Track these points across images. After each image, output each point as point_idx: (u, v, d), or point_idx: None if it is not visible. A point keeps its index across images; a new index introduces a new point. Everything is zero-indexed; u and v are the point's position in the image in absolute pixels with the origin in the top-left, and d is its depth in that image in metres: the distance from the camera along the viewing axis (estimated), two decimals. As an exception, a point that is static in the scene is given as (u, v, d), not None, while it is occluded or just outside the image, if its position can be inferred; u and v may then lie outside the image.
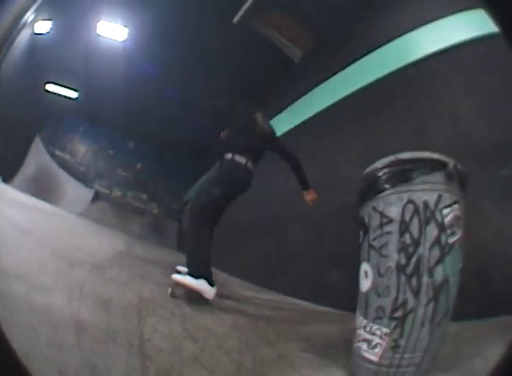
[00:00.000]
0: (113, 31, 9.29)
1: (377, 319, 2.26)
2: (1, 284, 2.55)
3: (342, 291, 3.81)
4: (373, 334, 2.23)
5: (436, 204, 2.17)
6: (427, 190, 2.19)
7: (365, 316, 2.36)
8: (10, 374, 1.17)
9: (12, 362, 1.17)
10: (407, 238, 2.17)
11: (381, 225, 2.28)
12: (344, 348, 2.59)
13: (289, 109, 6.80)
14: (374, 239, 2.35)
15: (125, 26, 9.11)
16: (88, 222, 8.98)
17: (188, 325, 3.08)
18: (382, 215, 2.25)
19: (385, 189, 2.25)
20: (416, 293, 2.13)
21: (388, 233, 2.23)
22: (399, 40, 4.66)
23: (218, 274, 4.70)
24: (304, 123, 6.18)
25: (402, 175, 2.23)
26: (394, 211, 2.23)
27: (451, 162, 2.20)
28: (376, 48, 5.00)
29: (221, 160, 4.40)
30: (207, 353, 2.47)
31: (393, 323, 2.18)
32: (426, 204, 2.18)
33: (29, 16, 1.56)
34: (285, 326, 3.71)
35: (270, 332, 3.35)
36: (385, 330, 2.20)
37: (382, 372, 2.17)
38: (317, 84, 6.12)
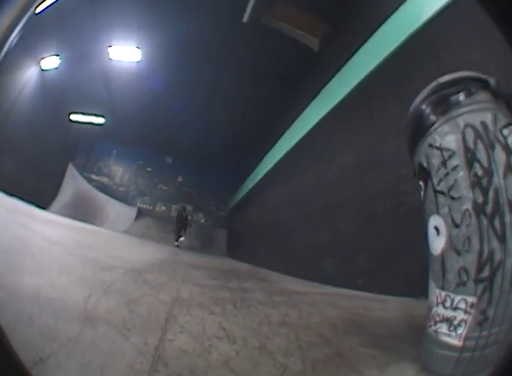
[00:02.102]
0: (126, 54, 8.87)
1: (460, 286, 1.82)
2: (13, 278, 2.47)
3: (398, 275, 3.44)
4: (456, 309, 1.77)
5: (494, 123, 1.80)
6: (478, 111, 1.83)
7: (444, 287, 1.91)
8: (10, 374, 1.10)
9: (13, 364, 1.10)
10: (477, 168, 1.77)
11: (444, 162, 1.88)
12: (411, 337, 2.21)
13: (320, 95, 6.33)
14: (440, 181, 1.92)
15: (138, 47, 8.66)
16: (133, 238, 8.52)
17: (227, 324, 2.57)
18: (441, 149, 1.89)
19: (436, 120, 1.90)
20: (502, 238, 1.69)
21: (454, 168, 1.84)
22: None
23: (267, 273, 4.83)
24: (339, 105, 5.60)
25: (448, 99, 1.87)
26: (453, 141, 1.88)
27: (492, 79, 1.88)
28: (391, 15, 4.62)
29: None
30: (243, 356, 1.88)
31: (480, 288, 1.74)
32: (484, 125, 1.81)
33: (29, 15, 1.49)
34: (341, 319, 3.06)
35: (325, 327, 2.75)
36: (471, 299, 1.75)
37: (465, 359, 1.66)
38: (342, 66, 5.75)
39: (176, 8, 7.61)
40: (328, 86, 6.16)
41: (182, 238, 9.10)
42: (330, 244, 4.87)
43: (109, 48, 8.80)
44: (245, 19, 6.46)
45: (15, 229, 4.14)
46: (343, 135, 5.33)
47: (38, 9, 6.90)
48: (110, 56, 8.93)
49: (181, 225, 9.75)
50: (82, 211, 9.29)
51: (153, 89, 9.74)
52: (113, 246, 6.03)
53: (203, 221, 11.15)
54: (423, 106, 1.97)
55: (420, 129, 1.97)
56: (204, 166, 11.43)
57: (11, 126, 7.65)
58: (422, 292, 2.70)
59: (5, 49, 1.42)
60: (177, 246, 8.71)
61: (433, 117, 1.90)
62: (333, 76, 5.95)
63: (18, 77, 7.99)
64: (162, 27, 7.95)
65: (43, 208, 8.06)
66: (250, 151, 10.21)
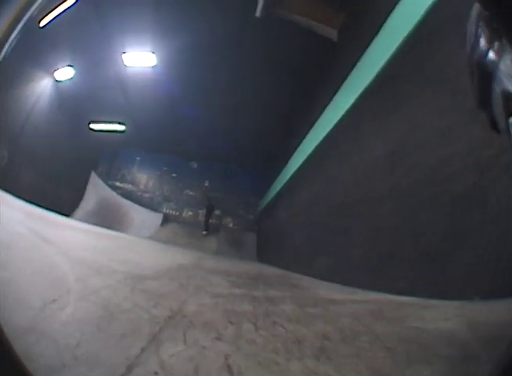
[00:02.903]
0: (141, 59, 8.67)
1: None
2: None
3: (446, 274, 2.84)
4: None
5: None
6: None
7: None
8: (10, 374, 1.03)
9: (11, 362, 1.01)
10: None
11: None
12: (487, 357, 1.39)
13: (343, 86, 5.97)
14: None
15: (153, 52, 8.41)
16: (156, 243, 8.05)
17: (237, 358, 1.78)
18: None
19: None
20: None
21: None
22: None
23: (300, 279, 4.19)
24: (363, 95, 5.12)
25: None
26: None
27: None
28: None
29: None
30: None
31: None
32: None
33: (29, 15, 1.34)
34: (397, 338, 2.13)
35: (380, 355, 1.87)
36: None
37: None
38: (362, 53, 5.39)
39: (187, 10, 7.31)
40: (350, 76, 5.79)
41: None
42: (368, 244, 4.29)
43: (123, 55, 8.63)
44: (258, 13, 6.15)
45: (15, 229, 3.89)
46: (372, 124, 4.81)
47: (43, 23, 7.08)
48: (125, 63, 8.77)
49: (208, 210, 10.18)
50: (106, 218, 9.11)
51: (172, 94, 9.53)
52: (128, 251, 5.43)
53: (231, 225, 10.89)
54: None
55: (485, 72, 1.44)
56: (231, 170, 11.33)
57: (28, 138, 7.58)
58: (476, 292, 2.43)
59: (4, 49, 1.29)
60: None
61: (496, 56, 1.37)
62: (355, 65, 5.61)
63: (31, 89, 7.91)
64: (175, 30, 7.63)
65: (66, 215, 7.93)
66: (277, 151, 9.83)
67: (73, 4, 7.26)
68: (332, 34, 6.21)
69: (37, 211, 5.98)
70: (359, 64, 5.48)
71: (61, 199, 8.35)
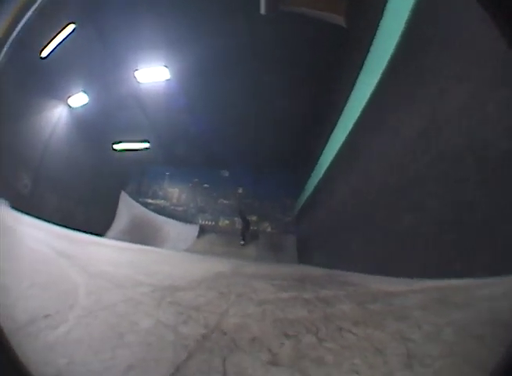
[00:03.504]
0: (154, 75, 8.43)
1: None
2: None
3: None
4: None
5: None
6: None
7: None
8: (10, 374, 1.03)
9: (12, 362, 1.03)
10: None
11: None
12: None
13: (363, 71, 5.58)
14: None
15: (165, 66, 8.13)
16: (193, 255, 7.55)
17: None
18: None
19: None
20: None
21: None
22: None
23: (348, 275, 3.95)
24: (385, 76, 4.69)
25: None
26: None
27: None
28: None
29: None
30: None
31: None
32: None
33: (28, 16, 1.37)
34: (474, 321, 1.73)
35: (466, 339, 1.49)
36: None
37: None
38: (375, 34, 5.09)
39: (192, 19, 7.05)
40: (368, 60, 5.40)
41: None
42: (414, 229, 3.80)
43: (135, 72, 8.41)
44: (262, 10, 5.89)
45: (32, 245, 3.78)
46: (398, 104, 4.40)
47: (44, 53, 7.07)
48: (138, 80, 8.57)
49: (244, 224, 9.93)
50: (140, 235, 8.89)
51: (190, 105, 9.29)
52: (161, 264, 4.98)
53: (269, 229, 10.61)
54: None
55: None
56: (263, 174, 10.98)
57: (49, 165, 7.59)
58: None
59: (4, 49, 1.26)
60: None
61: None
62: (370, 46, 5.26)
63: (46, 118, 7.89)
64: (185, 41, 7.41)
65: (99, 235, 7.80)
66: (307, 148, 9.41)
67: (72, 31, 7.19)
68: (339, 20, 5.89)
69: (64, 232, 5.79)
70: (374, 45, 5.15)
71: (92, 220, 8.24)
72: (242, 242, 9.31)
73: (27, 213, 5.50)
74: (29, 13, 1.38)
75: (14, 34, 1.32)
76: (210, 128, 9.80)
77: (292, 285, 3.72)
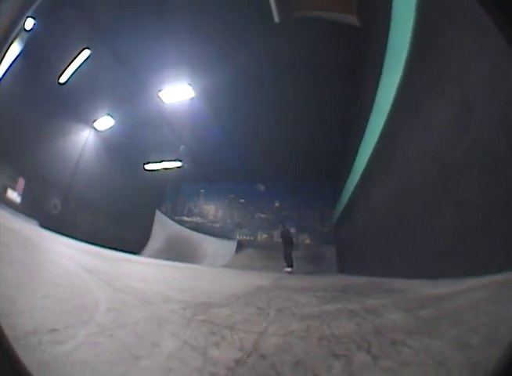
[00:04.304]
0: (178, 94, 8.38)
1: None
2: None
3: None
4: None
5: None
6: None
7: None
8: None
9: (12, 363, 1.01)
10: None
11: None
12: None
13: (385, 67, 5.47)
14: None
15: (189, 84, 8.08)
16: (231, 270, 7.47)
17: None
18: None
19: None
20: None
21: None
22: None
23: (391, 282, 3.77)
24: (407, 67, 4.61)
25: None
26: None
27: None
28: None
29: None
30: None
31: None
32: None
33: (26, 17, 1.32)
34: None
35: None
36: None
37: None
38: (389, 27, 5.02)
39: (212, 36, 7.04)
40: (388, 53, 5.27)
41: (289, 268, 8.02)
42: (455, 224, 3.55)
43: (159, 93, 8.42)
44: (276, 18, 5.89)
45: (55, 260, 3.72)
46: (427, 92, 4.15)
47: (62, 79, 7.24)
48: (163, 100, 8.58)
49: (288, 244, 8.66)
50: (177, 253, 8.76)
51: (219, 121, 9.26)
52: (196, 280, 4.78)
53: (308, 241, 10.47)
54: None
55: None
56: (298, 185, 10.90)
57: (79, 186, 7.76)
58: None
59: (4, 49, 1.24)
60: (289, 272, 7.78)
61: None
62: (387, 40, 5.14)
63: (73, 142, 8.06)
64: (208, 59, 7.39)
65: (134, 254, 7.77)
66: (340, 154, 9.16)
67: (88, 57, 7.32)
68: (352, 19, 5.95)
69: (95, 249, 5.73)
70: (391, 38, 5.03)
71: (127, 240, 8.24)
72: (288, 269, 7.83)
73: (58, 232, 5.51)
74: (29, 13, 1.32)
75: (14, 34, 1.27)
76: (240, 143, 9.77)
77: (335, 296, 3.47)
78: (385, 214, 5.96)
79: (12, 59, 5.89)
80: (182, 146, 9.88)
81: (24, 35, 6.14)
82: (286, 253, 8.07)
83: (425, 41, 4.04)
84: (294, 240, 9.51)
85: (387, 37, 5.08)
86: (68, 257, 4.12)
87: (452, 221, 3.63)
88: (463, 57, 3.23)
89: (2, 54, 1.24)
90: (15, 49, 5.96)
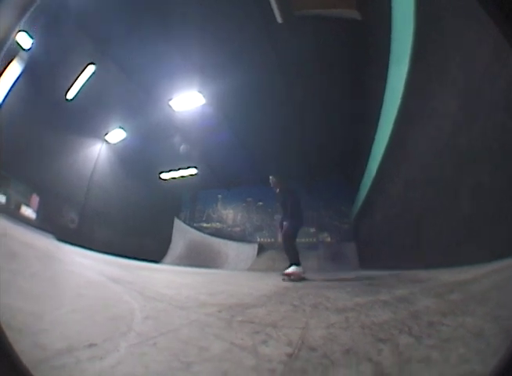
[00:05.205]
0: (189, 102, 8.40)
1: None
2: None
3: None
4: None
5: None
6: None
7: None
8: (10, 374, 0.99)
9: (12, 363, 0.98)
10: None
11: None
12: None
13: (392, 54, 5.40)
14: None
15: (199, 91, 8.11)
16: (255, 273, 7.30)
17: None
18: None
19: None
20: None
21: None
22: None
23: (414, 273, 3.79)
24: (414, 58, 4.54)
25: None
26: None
27: None
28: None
29: None
30: None
31: None
32: None
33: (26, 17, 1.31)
34: None
35: None
36: None
37: None
38: (390, 18, 5.02)
39: (219, 42, 7.07)
40: (393, 44, 5.25)
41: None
42: (476, 209, 3.51)
43: (170, 102, 8.46)
44: (278, 19, 6.01)
45: (77, 271, 3.69)
46: (434, 81, 4.21)
47: (69, 96, 7.27)
48: (174, 109, 8.60)
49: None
50: (198, 259, 8.83)
51: (232, 125, 9.27)
52: (223, 284, 4.74)
53: (329, 239, 10.37)
54: None
55: None
56: (315, 184, 10.74)
57: (95, 199, 7.78)
58: None
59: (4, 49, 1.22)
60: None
61: None
62: (390, 31, 5.14)
63: (85, 156, 8.15)
64: (216, 65, 7.42)
65: (154, 262, 7.78)
66: (354, 150, 9.10)
67: (94, 72, 7.37)
68: (354, 13, 5.96)
69: (115, 260, 5.74)
70: (394, 27, 5.04)
71: (146, 249, 8.19)
72: (292, 269, 5.85)
73: (76, 244, 5.58)
74: (29, 13, 1.31)
75: (14, 34, 1.26)
76: (254, 146, 9.76)
77: (364, 290, 3.47)
78: (402, 206, 5.98)
79: (15, 79, 5.96)
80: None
81: (23, 55, 6.19)
82: (287, 243, 5.77)
83: (428, 29, 4.00)
84: (314, 240, 9.76)
85: (390, 28, 5.06)
86: (90, 268, 4.11)
87: (468, 207, 3.62)
88: (465, 43, 3.20)
89: (2, 54, 1.23)
90: (16, 69, 6.02)
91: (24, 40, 5.99)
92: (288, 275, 5.12)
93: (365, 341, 1.54)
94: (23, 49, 6.15)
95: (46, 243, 5.15)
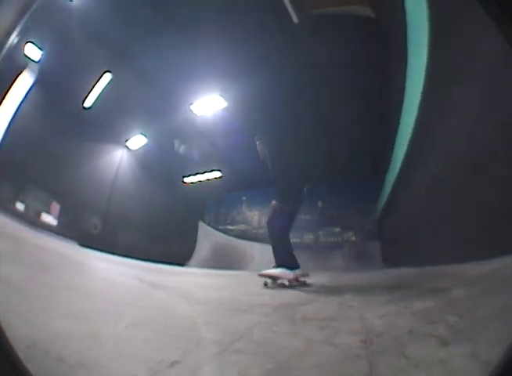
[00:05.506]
0: (210, 105, 8.33)
1: None
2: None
3: None
4: None
5: None
6: None
7: None
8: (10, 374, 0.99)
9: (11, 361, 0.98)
10: None
11: None
12: None
13: (410, 49, 5.38)
14: None
15: (221, 95, 8.00)
16: None
17: None
18: None
19: None
20: None
21: None
22: None
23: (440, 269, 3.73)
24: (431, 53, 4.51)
25: None
26: None
27: None
28: None
29: None
30: None
31: None
32: None
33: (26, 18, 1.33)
34: None
35: None
36: None
37: None
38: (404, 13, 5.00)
39: (238, 44, 7.03)
40: (409, 39, 5.25)
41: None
42: (498, 202, 3.40)
43: (191, 106, 8.33)
44: (295, 19, 6.06)
45: (114, 278, 3.69)
46: (453, 73, 4.09)
47: (87, 104, 7.20)
48: (196, 113, 8.48)
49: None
50: (224, 262, 9.01)
51: (255, 127, 8.95)
52: (254, 285, 4.59)
53: (353, 239, 10.06)
54: None
55: None
56: (339, 183, 10.35)
57: (118, 205, 7.71)
58: None
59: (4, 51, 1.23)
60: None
61: None
62: (405, 26, 5.10)
63: (106, 162, 8.08)
64: (236, 67, 7.32)
65: (181, 265, 8.00)
66: (377, 147, 8.65)
67: (111, 80, 7.29)
68: (367, 11, 5.92)
69: (144, 264, 5.83)
70: (408, 21, 5.01)
71: (171, 253, 8.18)
72: (277, 271, 4.86)
73: (101, 250, 5.62)
74: (28, 14, 1.33)
75: (14, 35, 1.27)
76: (278, 147, 9.68)
77: (397, 284, 3.63)
78: (426, 202, 5.80)
79: (27, 90, 5.98)
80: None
81: (33, 66, 6.17)
82: (278, 243, 5.17)
83: (443, 20, 3.96)
84: (339, 239, 9.74)
85: (405, 22, 5.01)
86: (126, 274, 4.16)
87: (492, 199, 3.49)
88: (474, 36, 3.13)
89: (2, 55, 1.23)
90: (27, 80, 6.01)
91: (33, 51, 5.97)
92: (273, 277, 4.24)
93: (422, 323, 1.66)
94: (33, 61, 6.20)
95: (71, 250, 5.23)
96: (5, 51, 1.28)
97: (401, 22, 5.03)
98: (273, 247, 4.94)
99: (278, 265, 4.42)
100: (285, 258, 4.58)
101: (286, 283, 4.20)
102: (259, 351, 1.43)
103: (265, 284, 4.17)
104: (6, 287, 1.75)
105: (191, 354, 1.39)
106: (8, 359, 0.96)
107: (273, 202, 5.26)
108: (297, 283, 4.27)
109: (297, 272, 4.45)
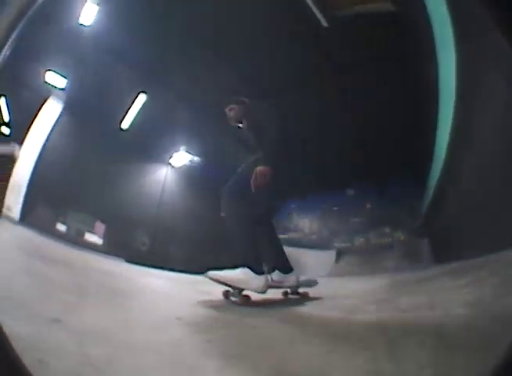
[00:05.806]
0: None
1: None
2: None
3: None
4: None
5: None
6: None
7: None
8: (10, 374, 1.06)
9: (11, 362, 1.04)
10: None
11: None
12: None
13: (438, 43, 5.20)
14: None
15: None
16: (334, 278, 7.54)
17: None
18: None
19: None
20: None
21: None
22: None
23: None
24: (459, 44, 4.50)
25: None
26: None
27: None
28: None
29: None
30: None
31: None
32: None
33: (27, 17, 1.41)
34: None
35: None
36: None
37: None
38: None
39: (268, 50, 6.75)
40: (435, 30, 5.06)
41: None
42: None
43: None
44: (323, 23, 5.94)
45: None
46: (483, 62, 3.94)
47: (124, 126, 7.28)
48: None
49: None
50: None
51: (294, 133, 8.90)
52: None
53: (402, 238, 9.26)
54: None
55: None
56: (385, 183, 10.39)
57: (166, 222, 7.75)
58: None
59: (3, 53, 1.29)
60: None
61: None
62: (428, 17, 4.96)
63: (151, 180, 8.18)
64: (271, 76, 7.04)
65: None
66: (419, 143, 8.51)
67: (146, 101, 7.33)
68: (387, 6, 5.78)
69: (199, 278, 5.72)
70: (431, 13, 4.91)
71: (223, 264, 8.15)
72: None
73: (151, 266, 5.88)
74: (28, 14, 1.37)
75: (14, 35, 1.29)
76: (320, 151, 9.56)
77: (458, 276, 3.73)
78: (472, 193, 5.69)
79: (57, 117, 6.21)
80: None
81: (59, 93, 6.28)
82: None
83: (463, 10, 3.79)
84: (390, 240, 9.33)
85: (427, 14, 4.89)
86: (187, 290, 4.42)
87: None
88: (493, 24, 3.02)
89: (2, 55, 1.29)
90: (55, 108, 6.21)
91: (55, 79, 6.10)
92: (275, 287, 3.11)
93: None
94: (59, 89, 6.26)
95: (123, 268, 5.48)
96: (5, 50, 1.31)
97: (422, 13, 4.92)
98: (246, 236, 3.67)
99: (274, 268, 3.34)
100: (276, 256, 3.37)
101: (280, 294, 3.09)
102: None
103: (226, 297, 3.23)
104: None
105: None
106: (7, 359, 1.01)
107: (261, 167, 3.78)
108: (294, 296, 3.35)
109: (294, 277, 3.29)
